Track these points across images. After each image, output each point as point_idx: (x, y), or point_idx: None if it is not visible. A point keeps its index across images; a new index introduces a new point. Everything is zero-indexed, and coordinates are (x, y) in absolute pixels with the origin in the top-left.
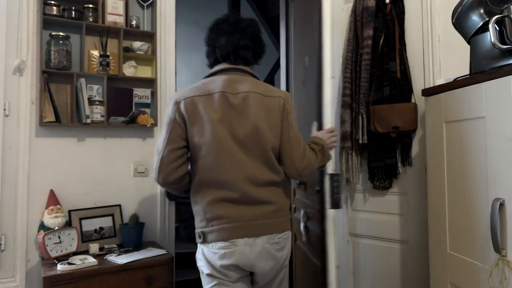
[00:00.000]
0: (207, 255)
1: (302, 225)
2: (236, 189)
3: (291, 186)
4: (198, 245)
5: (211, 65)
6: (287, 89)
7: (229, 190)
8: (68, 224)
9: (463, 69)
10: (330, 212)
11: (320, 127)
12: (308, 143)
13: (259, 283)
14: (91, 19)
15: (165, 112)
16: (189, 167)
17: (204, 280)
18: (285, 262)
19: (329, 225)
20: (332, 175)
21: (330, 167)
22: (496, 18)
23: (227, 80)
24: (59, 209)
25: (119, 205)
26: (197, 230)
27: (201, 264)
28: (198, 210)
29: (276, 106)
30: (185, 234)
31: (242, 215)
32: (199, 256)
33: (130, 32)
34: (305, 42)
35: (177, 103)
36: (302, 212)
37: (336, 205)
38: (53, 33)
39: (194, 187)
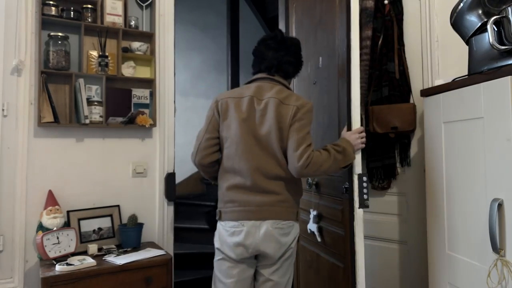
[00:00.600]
0: (220, 232)
1: (314, 226)
2: (248, 178)
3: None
4: (218, 222)
5: (254, 73)
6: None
7: (242, 178)
8: (67, 224)
9: (462, 70)
10: (359, 212)
11: (349, 126)
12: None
13: (263, 263)
14: (89, 20)
15: (209, 107)
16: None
17: (215, 253)
18: (291, 245)
19: (358, 225)
20: (360, 175)
21: (358, 167)
22: (495, 19)
23: (258, 87)
24: (58, 209)
25: (118, 206)
26: (218, 210)
27: (215, 239)
28: (219, 193)
29: (288, 113)
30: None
31: (251, 200)
32: (216, 232)
33: (129, 32)
34: (319, 43)
35: (216, 102)
36: (314, 212)
37: (364, 204)
38: (52, 34)
39: (219, 174)
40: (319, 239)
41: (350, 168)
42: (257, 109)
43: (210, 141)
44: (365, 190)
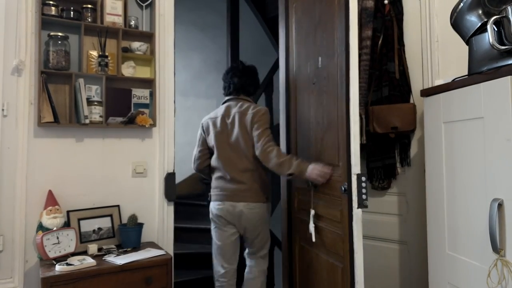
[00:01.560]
0: (211, 208)
1: (312, 225)
2: (227, 173)
3: (295, 185)
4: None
5: (225, 95)
6: (287, 89)
7: (222, 172)
8: (67, 224)
9: (462, 70)
10: (358, 212)
11: (347, 126)
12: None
13: (243, 230)
14: (89, 20)
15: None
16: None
17: (211, 224)
18: (259, 221)
19: (356, 225)
20: (359, 175)
21: (357, 167)
22: (495, 19)
23: (227, 106)
24: (58, 209)
25: (118, 206)
26: (209, 194)
27: (210, 214)
28: (211, 183)
29: (249, 119)
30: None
31: (228, 187)
32: (210, 209)
33: (129, 32)
34: (318, 43)
35: (202, 124)
36: (312, 212)
37: (363, 204)
38: (52, 34)
39: (211, 170)
40: (313, 239)
41: (349, 168)
42: (227, 123)
43: (201, 153)
44: (363, 190)
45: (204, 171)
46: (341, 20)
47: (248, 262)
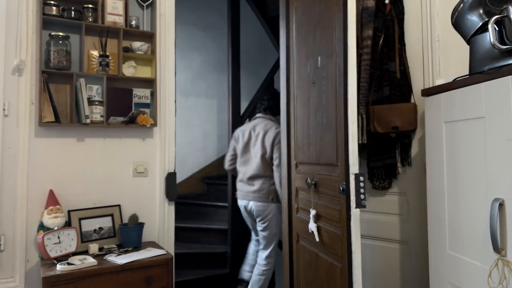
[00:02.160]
0: (238, 203)
1: (313, 225)
2: (245, 176)
3: (295, 185)
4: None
5: (256, 113)
6: (288, 89)
7: (242, 175)
8: (68, 224)
9: (463, 69)
10: (356, 212)
11: (345, 127)
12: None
13: (256, 220)
14: (90, 19)
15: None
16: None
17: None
18: (268, 214)
19: (354, 225)
20: (357, 175)
21: (355, 167)
22: (496, 19)
23: (254, 123)
24: (59, 209)
25: (119, 205)
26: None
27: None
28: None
29: (271, 137)
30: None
31: (244, 189)
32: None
33: (130, 32)
34: (318, 42)
35: (233, 134)
36: (313, 212)
37: (361, 204)
38: (53, 33)
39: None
40: (317, 239)
41: (347, 167)
42: (252, 136)
43: (231, 157)
44: (362, 190)
45: (232, 171)
46: (339, 20)
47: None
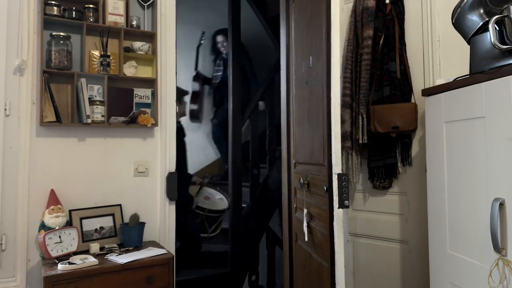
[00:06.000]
0: None
1: (305, 224)
2: None
3: (293, 184)
4: None
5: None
6: (287, 89)
7: None
8: (69, 223)
9: (463, 69)
10: (338, 212)
11: (328, 127)
12: None
13: None
14: (91, 19)
15: None
16: None
17: None
18: None
19: (337, 225)
20: (340, 175)
21: (338, 167)
22: (496, 18)
23: None
24: (60, 208)
25: (120, 205)
26: None
27: None
28: None
29: None
30: None
31: None
32: None
33: (131, 32)
34: (309, 42)
35: None
36: (305, 211)
37: (343, 204)
38: (54, 33)
39: None
40: (306, 238)
41: (329, 167)
42: None
43: None
44: (345, 190)
45: None
46: (321, 17)
47: None
